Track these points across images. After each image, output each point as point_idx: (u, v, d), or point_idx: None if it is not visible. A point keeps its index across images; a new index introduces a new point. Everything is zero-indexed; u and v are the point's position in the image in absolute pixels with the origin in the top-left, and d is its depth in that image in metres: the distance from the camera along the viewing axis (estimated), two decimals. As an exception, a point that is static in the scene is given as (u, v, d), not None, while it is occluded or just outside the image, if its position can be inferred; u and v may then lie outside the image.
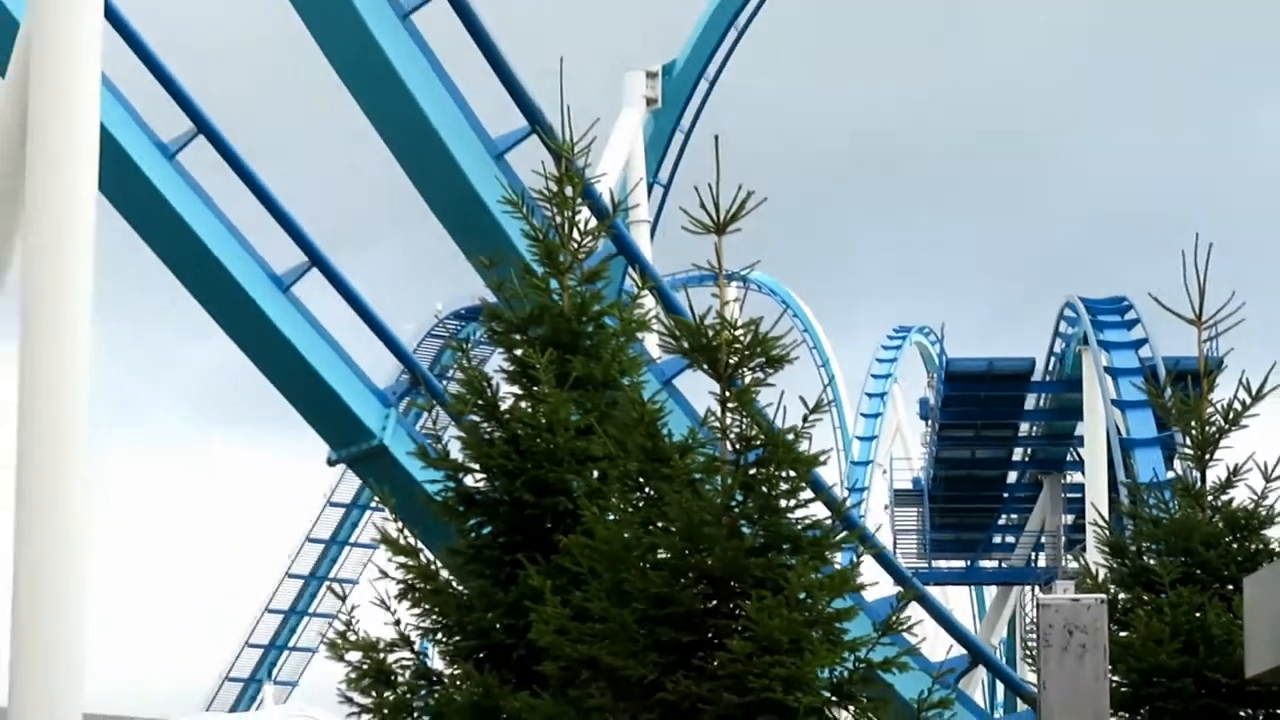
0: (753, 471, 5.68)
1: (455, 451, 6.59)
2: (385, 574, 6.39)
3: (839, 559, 6.47)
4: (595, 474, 6.40)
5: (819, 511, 6.05)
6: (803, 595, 5.55)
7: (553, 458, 6.28)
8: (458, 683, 6.26)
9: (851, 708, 5.60)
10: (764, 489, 5.67)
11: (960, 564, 28.73)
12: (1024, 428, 25.67)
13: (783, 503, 5.65)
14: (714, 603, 5.58)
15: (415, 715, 6.27)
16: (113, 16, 10.46)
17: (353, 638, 6.35)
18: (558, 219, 6.47)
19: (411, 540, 6.43)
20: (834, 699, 5.51)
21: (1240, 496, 6.98)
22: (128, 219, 11.15)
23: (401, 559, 6.38)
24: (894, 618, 5.98)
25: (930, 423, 26.36)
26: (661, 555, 5.73)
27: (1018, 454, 26.77)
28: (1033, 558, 27.05)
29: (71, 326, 7.35)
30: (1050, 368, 23.98)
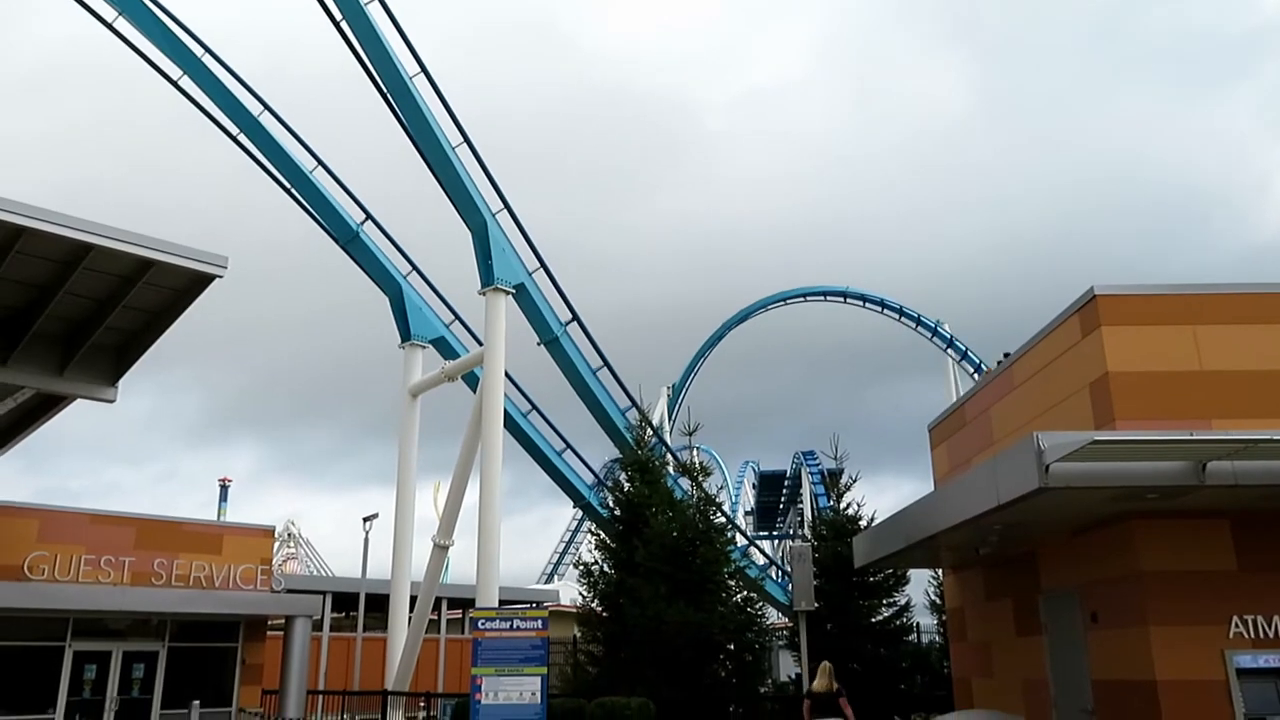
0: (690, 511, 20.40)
1: (612, 504, 21.05)
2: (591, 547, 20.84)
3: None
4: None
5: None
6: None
7: (641, 507, 20.68)
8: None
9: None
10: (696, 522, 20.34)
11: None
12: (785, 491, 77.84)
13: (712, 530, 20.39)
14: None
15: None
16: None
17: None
18: (641, 430, 21.22)
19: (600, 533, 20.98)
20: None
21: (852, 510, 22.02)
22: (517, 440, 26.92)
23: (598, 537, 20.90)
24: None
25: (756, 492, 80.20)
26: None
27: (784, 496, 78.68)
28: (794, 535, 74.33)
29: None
30: (791, 474, 75.07)
